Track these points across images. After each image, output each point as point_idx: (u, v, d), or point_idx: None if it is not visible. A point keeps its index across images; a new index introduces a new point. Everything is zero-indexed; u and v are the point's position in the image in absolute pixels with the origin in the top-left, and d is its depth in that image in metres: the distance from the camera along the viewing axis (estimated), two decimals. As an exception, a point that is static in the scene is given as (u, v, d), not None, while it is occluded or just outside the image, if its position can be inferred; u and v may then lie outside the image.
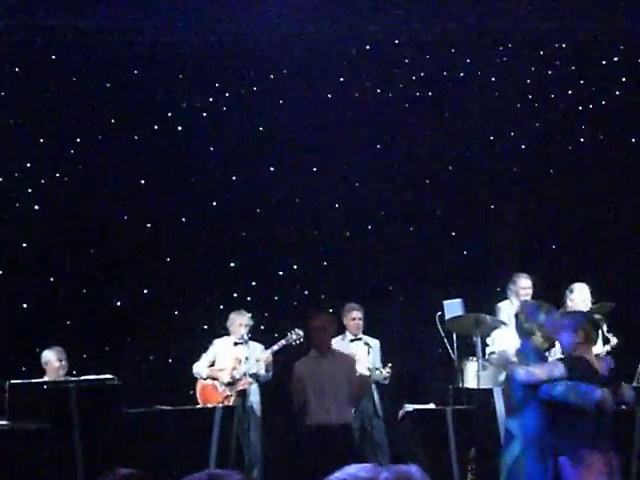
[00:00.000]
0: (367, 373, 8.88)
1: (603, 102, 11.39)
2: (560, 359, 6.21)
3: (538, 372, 5.92)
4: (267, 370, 8.88)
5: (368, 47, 11.31)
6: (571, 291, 8.61)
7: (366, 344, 9.09)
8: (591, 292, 8.69)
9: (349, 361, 7.99)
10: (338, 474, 3.13)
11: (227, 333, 9.16)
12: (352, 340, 9.09)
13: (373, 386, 8.98)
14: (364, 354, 9.02)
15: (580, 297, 8.44)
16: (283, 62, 11.07)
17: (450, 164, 11.19)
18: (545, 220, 11.09)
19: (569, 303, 8.46)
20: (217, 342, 9.15)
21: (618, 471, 5.75)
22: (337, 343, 8.90)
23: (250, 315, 9.11)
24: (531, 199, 11.18)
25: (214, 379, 8.96)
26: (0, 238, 9.96)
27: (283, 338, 8.89)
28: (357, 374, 8.10)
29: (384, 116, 11.14)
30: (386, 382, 9.00)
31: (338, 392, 7.68)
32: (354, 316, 9.07)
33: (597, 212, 10.97)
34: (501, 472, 6.09)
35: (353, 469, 3.23)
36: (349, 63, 11.24)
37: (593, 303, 8.65)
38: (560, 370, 5.83)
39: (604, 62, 11.47)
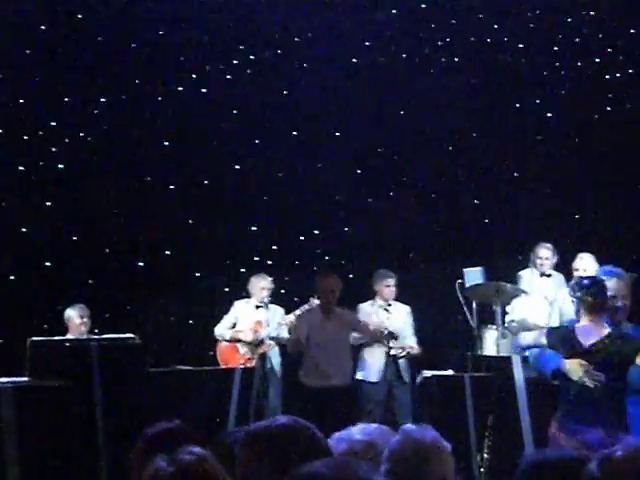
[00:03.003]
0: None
1: (630, 70, 11.28)
2: (551, 328, 6.40)
3: (528, 337, 6.11)
4: (289, 333, 8.92)
5: (394, 11, 11.23)
6: (575, 260, 8.62)
7: (385, 310, 9.09)
8: (616, 263, 8.61)
9: (350, 319, 8.19)
10: (341, 433, 3.15)
11: (248, 296, 9.19)
12: (382, 306, 9.10)
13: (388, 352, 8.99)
14: (393, 321, 9.04)
15: (581, 266, 8.43)
16: (309, 26, 11.01)
17: (474, 132, 11.14)
18: (569, 188, 11.03)
19: (574, 273, 8.42)
20: (238, 304, 9.18)
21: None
22: (366, 308, 9.06)
23: (271, 279, 9.14)
24: (555, 167, 11.11)
25: (237, 340, 9.02)
26: (24, 197, 10.00)
27: (306, 303, 8.93)
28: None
29: (410, 82, 11.08)
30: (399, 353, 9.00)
31: (340, 354, 7.78)
32: (389, 283, 9.08)
33: (622, 180, 10.89)
34: None
35: (356, 429, 3.23)
36: (376, 27, 11.16)
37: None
38: (541, 338, 5.96)
39: (632, 31, 11.35)
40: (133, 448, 3.42)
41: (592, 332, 5.79)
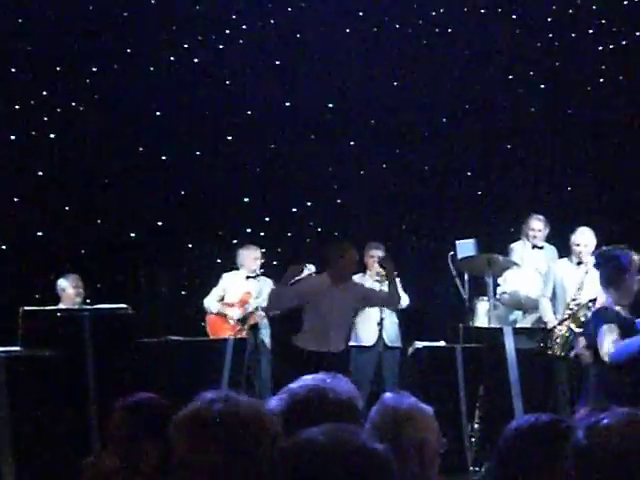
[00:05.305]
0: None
1: (624, 42, 11.24)
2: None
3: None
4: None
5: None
6: (574, 234, 8.38)
7: (377, 281, 9.06)
8: (606, 235, 8.60)
9: (358, 288, 8.00)
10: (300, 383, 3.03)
11: (236, 268, 9.18)
12: (372, 277, 9.07)
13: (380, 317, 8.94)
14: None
15: (582, 241, 8.25)
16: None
17: (467, 103, 11.11)
18: (561, 159, 11.02)
19: (574, 248, 8.30)
20: (226, 276, 9.17)
21: None
22: (358, 280, 8.98)
23: (262, 250, 9.13)
24: (548, 139, 11.10)
25: (225, 315, 9.01)
26: (16, 166, 9.95)
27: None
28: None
29: (403, 53, 11.04)
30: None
31: (343, 322, 7.72)
32: (373, 254, 9.00)
33: (615, 153, 10.88)
34: None
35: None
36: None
37: (604, 245, 8.54)
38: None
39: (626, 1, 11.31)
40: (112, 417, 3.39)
41: None
